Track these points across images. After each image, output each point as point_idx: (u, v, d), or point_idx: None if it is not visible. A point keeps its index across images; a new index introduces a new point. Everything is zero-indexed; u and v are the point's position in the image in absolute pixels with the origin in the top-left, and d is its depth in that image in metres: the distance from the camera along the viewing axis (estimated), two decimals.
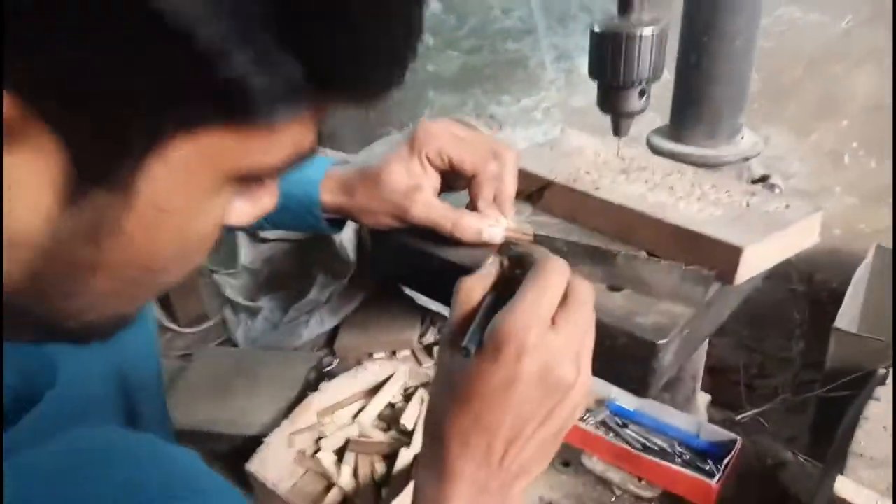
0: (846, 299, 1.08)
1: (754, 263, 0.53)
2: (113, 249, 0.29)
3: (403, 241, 0.61)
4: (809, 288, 1.38)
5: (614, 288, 0.53)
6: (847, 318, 1.14)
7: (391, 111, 1.92)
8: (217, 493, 0.33)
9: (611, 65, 0.57)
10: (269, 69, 0.25)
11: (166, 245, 0.30)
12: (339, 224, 0.64)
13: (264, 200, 0.35)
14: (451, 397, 0.42)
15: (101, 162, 0.26)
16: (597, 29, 0.58)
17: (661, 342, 0.46)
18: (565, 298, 0.41)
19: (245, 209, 0.34)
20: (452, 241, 0.58)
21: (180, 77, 0.24)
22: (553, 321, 0.41)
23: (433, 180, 0.60)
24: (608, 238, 0.61)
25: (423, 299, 1.32)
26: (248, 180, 0.31)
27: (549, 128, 1.70)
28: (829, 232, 1.34)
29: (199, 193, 0.29)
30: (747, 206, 0.59)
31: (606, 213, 0.60)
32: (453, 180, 0.61)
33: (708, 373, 1.38)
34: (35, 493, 0.28)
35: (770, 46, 1.27)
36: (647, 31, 0.55)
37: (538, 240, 0.58)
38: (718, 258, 0.53)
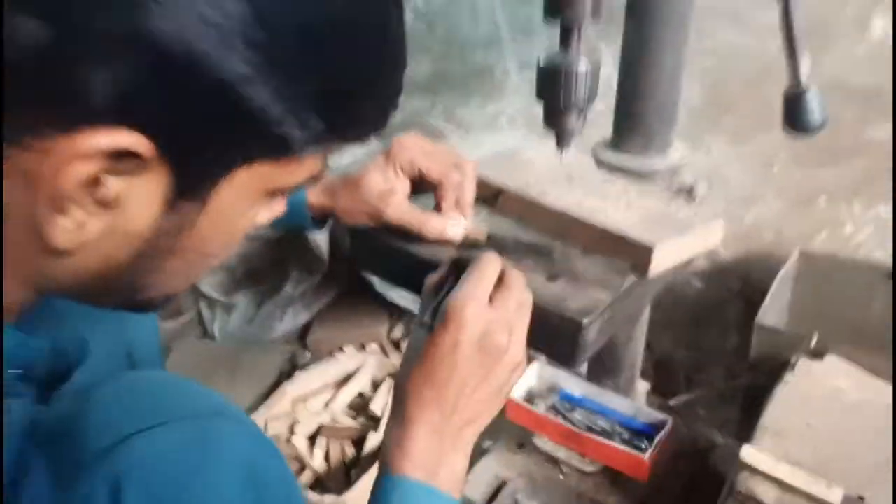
0: (767, 298, 1.21)
1: (664, 259, 0.64)
2: (187, 239, 0.41)
3: (380, 239, 0.70)
4: (744, 288, 1.51)
5: (552, 278, 0.64)
6: (771, 315, 1.27)
7: None
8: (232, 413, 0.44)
9: (552, 92, 0.67)
10: (304, 128, 0.38)
11: (220, 238, 0.43)
12: (322, 222, 0.74)
13: (277, 207, 0.47)
14: (413, 362, 0.53)
15: (193, 184, 0.39)
16: (541, 64, 0.68)
17: (585, 321, 0.57)
18: (500, 283, 0.54)
19: (266, 213, 0.47)
20: (420, 239, 0.68)
21: (250, 132, 0.37)
22: (490, 300, 0.52)
23: (405, 186, 0.71)
24: (551, 237, 0.71)
25: (391, 296, 1.41)
26: (276, 194, 0.44)
27: (513, 133, 1.80)
28: (760, 236, 1.48)
29: (247, 203, 0.42)
30: (664, 212, 0.70)
31: (549, 217, 0.71)
32: (422, 186, 0.73)
33: (653, 367, 1.51)
34: (117, 409, 0.39)
35: (712, 65, 1.40)
36: (582, 67, 0.66)
37: (491, 237, 0.68)
38: (635, 255, 0.64)
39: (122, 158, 0.34)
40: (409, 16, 1.56)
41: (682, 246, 0.66)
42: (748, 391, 1.19)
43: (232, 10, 0.33)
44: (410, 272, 0.66)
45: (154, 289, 0.45)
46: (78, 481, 0.37)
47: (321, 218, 0.75)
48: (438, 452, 0.53)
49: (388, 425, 0.55)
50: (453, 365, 0.52)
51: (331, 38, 0.38)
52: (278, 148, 0.39)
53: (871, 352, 1.11)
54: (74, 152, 0.33)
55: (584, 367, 1.19)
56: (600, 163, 0.94)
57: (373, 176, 0.70)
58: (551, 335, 0.59)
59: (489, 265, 0.54)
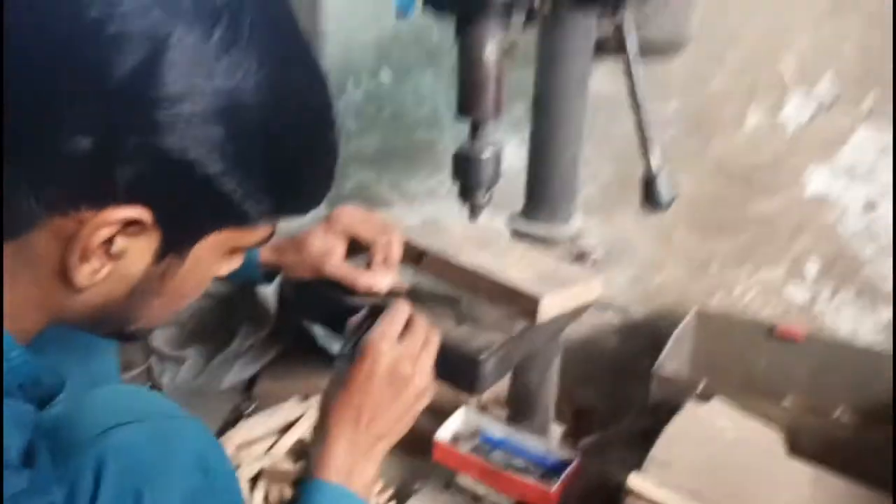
0: (664, 351, 1.38)
1: (550, 308, 0.79)
2: (169, 282, 0.55)
3: (319, 291, 0.84)
4: (653, 343, 1.68)
5: (459, 322, 0.78)
6: (671, 365, 1.44)
7: None
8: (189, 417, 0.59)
9: (463, 173, 0.84)
10: (259, 205, 0.52)
11: (193, 284, 0.58)
12: (271, 276, 0.89)
13: (235, 261, 0.61)
14: (335, 387, 0.68)
15: (177, 243, 0.52)
16: (457, 151, 0.85)
17: (481, 357, 0.71)
18: (408, 325, 0.69)
19: (227, 266, 0.60)
20: (353, 291, 0.82)
21: (220, 209, 0.51)
22: (400, 339, 0.68)
23: (341, 247, 0.88)
24: (463, 290, 0.86)
25: (334, 349, 1.52)
26: (235, 252, 0.58)
27: (452, 202, 1.97)
28: (666, 297, 1.67)
29: (214, 258, 0.56)
30: (553, 271, 0.86)
31: (462, 273, 0.86)
32: (356, 248, 0.90)
33: (573, 414, 1.65)
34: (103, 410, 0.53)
35: (620, 147, 1.61)
36: (486, 154, 0.83)
37: (411, 290, 0.83)
38: (527, 304, 0.79)
39: (130, 225, 0.48)
40: (359, 97, 1.75)
41: (565, 297, 0.82)
42: (649, 433, 1.34)
43: (213, 132, 0.47)
44: (343, 318, 0.79)
45: (142, 321, 0.58)
46: (70, 461, 0.51)
47: (270, 271, 0.91)
48: (353, 461, 0.66)
49: (311, 439, 0.69)
50: (368, 390, 0.66)
51: (278, 148, 0.52)
52: (240, 220, 0.53)
53: (758, 397, 1.28)
54: (103, 221, 0.47)
55: (503, 412, 1.32)
56: (514, 230, 1.10)
57: (315, 238, 0.86)
58: (455, 368, 0.73)
59: (399, 311, 0.70)
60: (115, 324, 0.58)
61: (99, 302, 0.53)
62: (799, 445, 1.22)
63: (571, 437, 1.48)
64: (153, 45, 0.44)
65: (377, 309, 0.71)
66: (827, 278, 1.49)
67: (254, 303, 1.54)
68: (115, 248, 0.49)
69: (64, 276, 0.49)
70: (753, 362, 1.52)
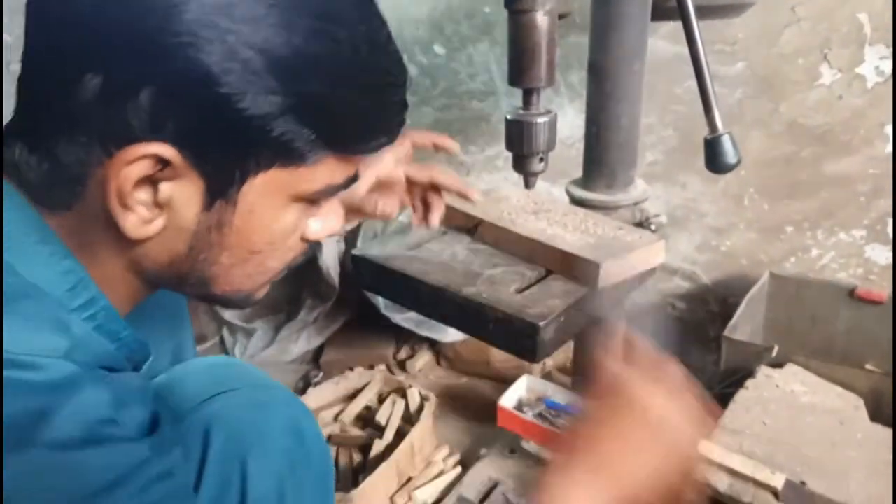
0: (736, 315, 1.34)
1: (610, 275, 0.78)
2: (228, 235, 0.52)
3: (376, 262, 0.86)
4: (723, 309, 1.64)
5: (519, 291, 0.78)
6: (744, 330, 1.40)
7: None
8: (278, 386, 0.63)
9: (517, 141, 0.83)
10: (300, 139, 0.49)
11: (258, 236, 0.53)
12: None
13: (330, 219, 0.58)
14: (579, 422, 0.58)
15: (220, 187, 0.49)
16: (508, 117, 0.84)
17: (541, 323, 0.71)
18: (657, 368, 0.59)
19: (316, 227, 0.57)
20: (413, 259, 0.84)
21: (257, 143, 0.48)
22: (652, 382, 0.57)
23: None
24: (521, 259, 0.86)
25: (396, 319, 1.55)
26: (306, 201, 0.53)
27: (509, 173, 1.96)
28: (737, 262, 1.61)
29: (273, 206, 0.52)
30: (613, 237, 0.85)
31: (519, 242, 0.86)
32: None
33: None
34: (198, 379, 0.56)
35: (684, 110, 1.56)
36: (540, 120, 0.82)
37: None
38: (587, 271, 0.78)
39: (163, 167, 0.46)
40: (413, 71, 1.76)
41: (626, 263, 0.80)
42: (720, 399, 1.31)
43: (247, 56, 0.44)
44: (404, 291, 0.81)
45: (222, 282, 0.56)
46: (181, 425, 0.54)
47: None
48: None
49: (545, 469, 0.57)
50: (609, 433, 0.55)
51: (315, 71, 0.47)
52: (284, 156, 0.49)
53: (835, 363, 1.23)
54: (126, 158, 0.45)
55: (567, 379, 1.32)
56: (572, 199, 1.09)
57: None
58: (515, 336, 0.73)
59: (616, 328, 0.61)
60: (195, 285, 0.56)
61: (165, 259, 0.52)
62: (881, 411, 1.17)
63: None
64: None
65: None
66: None
67: (318, 276, 1.59)
68: (161, 196, 0.48)
69: (116, 227, 0.48)
70: (832, 327, 1.45)
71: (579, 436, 0.56)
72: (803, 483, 0.95)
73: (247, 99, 0.45)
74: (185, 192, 0.49)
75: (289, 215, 0.54)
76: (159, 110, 0.45)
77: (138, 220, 0.48)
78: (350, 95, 0.50)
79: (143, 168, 0.46)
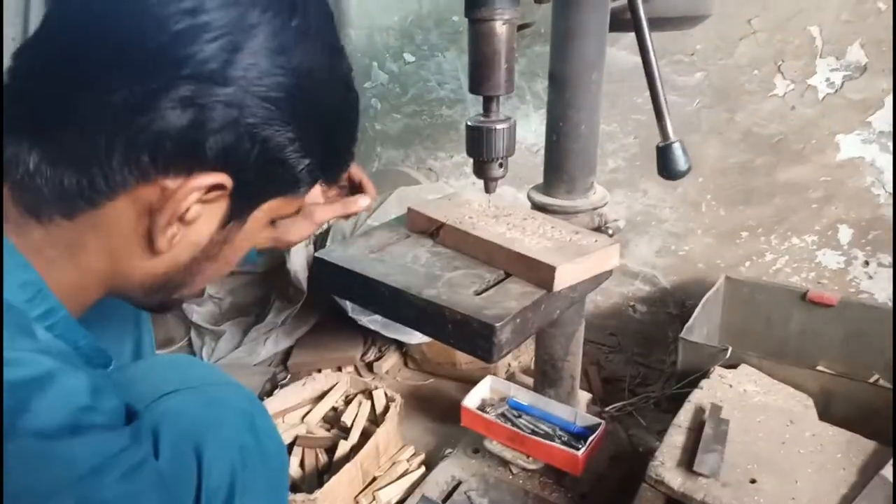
0: (693, 318, 1.38)
1: (566, 277, 0.81)
2: (225, 250, 0.60)
3: (337, 265, 0.87)
4: (682, 311, 1.68)
5: (478, 293, 0.81)
6: (700, 332, 1.44)
7: None
8: (235, 383, 0.63)
9: (477, 147, 0.86)
10: (310, 174, 0.58)
11: (240, 251, 0.62)
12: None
13: (276, 233, 0.68)
14: None
15: (241, 211, 0.57)
16: (469, 123, 0.86)
17: (497, 325, 0.74)
18: None
19: (264, 237, 0.64)
20: (375, 262, 0.86)
21: (282, 178, 0.57)
22: None
23: (318, 193, 0.94)
24: (480, 261, 0.88)
25: (363, 321, 1.57)
26: (275, 221, 0.62)
27: (475, 180, 1.99)
28: (694, 266, 1.66)
29: (262, 226, 0.61)
30: (570, 240, 0.88)
31: (479, 245, 0.88)
32: None
33: (603, 381, 1.67)
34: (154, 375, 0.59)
35: (645, 119, 1.60)
36: (500, 126, 0.84)
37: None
38: (543, 274, 0.81)
39: (211, 191, 0.53)
40: (383, 78, 1.78)
41: (582, 266, 0.83)
42: (676, 399, 1.35)
43: (286, 106, 0.53)
44: (363, 291, 0.83)
45: (191, 288, 0.62)
46: (133, 423, 0.55)
47: None
48: None
49: None
50: None
51: (331, 121, 0.58)
52: (294, 187, 0.59)
53: (789, 364, 1.28)
54: (195, 186, 0.52)
55: (530, 380, 1.35)
56: (533, 204, 1.12)
57: None
58: (473, 337, 0.75)
59: None
60: (170, 291, 0.61)
61: (162, 269, 0.57)
62: (831, 411, 1.22)
63: (599, 403, 1.50)
64: (241, 29, 0.50)
65: None
66: (860, 244, 1.47)
67: (287, 279, 1.60)
68: (189, 215, 0.53)
69: (143, 243, 0.54)
70: (785, 329, 1.51)
71: None
72: (753, 481, 0.98)
73: (269, 130, 0.53)
74: (211, 213, 0.56)
75: (265, 232, 0.62)
76: (231, 145, 0.51)
77: (170, 235, 0.54)
78: (342, 128, 0.60)
79: (200, 194, 0.52)
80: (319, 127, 0.57)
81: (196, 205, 0.53)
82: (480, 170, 0.89)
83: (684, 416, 1.12)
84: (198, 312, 1.79)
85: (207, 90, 0.49)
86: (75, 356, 0.52)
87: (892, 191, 1.39)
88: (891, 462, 0.98)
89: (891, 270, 1.46)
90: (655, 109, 0.84)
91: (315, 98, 0.55)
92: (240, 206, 0.57)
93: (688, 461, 1.01)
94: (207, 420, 0.62)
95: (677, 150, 0.83)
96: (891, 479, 0.96)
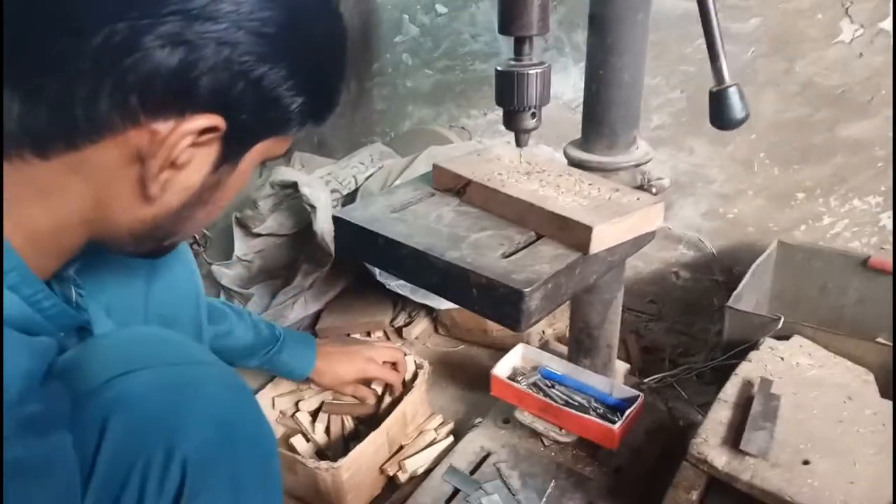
0: (741, 285, 1.29)
1: (603, 239, 0.73)
2: (217, 192, 0.57)
3: (357, 224, 0.81)
4: (729, 278, 1.58)
5: (505, 255, 0.74)
6: (750, 300, 1.35)
7: (375, 122, 2.12)
8: (215, 363, 0.55)
9: (507, 95, 0.78)
10: (301, 115, 0.56)
11: (232, 194, 0.60)
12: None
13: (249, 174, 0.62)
14: None
15: (234, 153, 0.55)
16: (499, 68, 0.78)
17: (526, 290, 0.67)
18: None
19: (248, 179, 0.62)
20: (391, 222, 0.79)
21: (274, 117, 0.54)
22: None
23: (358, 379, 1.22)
24: (510, 222, 0.81)
25: (392, 286, 1.52)
26: (264, 162, 0.60)
27: (510, 138, 1.90)
28: (743, 229, 1.55)
29: (251, 166, 0.59)
30: (609, 199, 0.80)
31: (508, 203, 0.81)
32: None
33: (642, 351, 1.59)
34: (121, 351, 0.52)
35: (693, 70, 1.49)
36: (532, 71, 0.76)
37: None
38: (578, 235, 0.73)
39: (203, 134, 0.50)
40: (415, 31, 1.69)
41: (621, 227, 0.75)
42: (721, 371, 1.27)
43: (279, 42, 0.51)
44: (386, 254, 0.77)
45: (182, 234, 0.59)
46: (79, 411, 0.50)
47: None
48: None
49: None
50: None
51: (321, 58, 0.56)
52: (285, 127, 0.56)
53: (844, 335, 1.18)
54: (187, 131, 0.49)
55: (564, 349, 1.28)
56: (570, 160, 1.03)
57: (348, 365, 1.22)
58: (499, 303, 0.69)
59: None
60: (160, 238, 0.58)
61: (151, 215, 0.54)
62: (892, 385, 1.12)
63: (637, 374, 1.43)
64: None
65: None
66: None
67: (314, 243, 1.55)
68: (181, 159, 0.50)
69: (132, 189, 0.51)
70: (842, 298, 1.40)
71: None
72: (806, 462, 0.90)
73: (263, 68, 0.50)
74: (203, 157, 0.53)
75: (253, 172, 0.60)
76: (223, 85, 0.49)
77: (162, 181, 0.52)
78: (334, 64, 0.58)
79: (194, 137, 0.50)
80: (313, 63, 0.55)
81: (189, 149, 0.50)
82: (511, 120, 0.81)
83: (731, 390, 1.04)
84: (227, 275, 1.76)
85: (197, 27, 0.46)
86: (30, 315, 0.48)
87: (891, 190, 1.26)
88: None
89: None
90: (710, 48, 0.74)
91: (308, 32, 0.53)
92: (233, 149, 0.55)
93: (734, 439, 0.93)
94: (166, 408, 0.52)
95: (733, 94, 0.74)
96: None
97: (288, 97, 0.53)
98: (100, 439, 0.50)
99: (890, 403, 1.01)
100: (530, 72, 0.76)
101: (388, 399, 1.30)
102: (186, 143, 0.50)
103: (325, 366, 1.18)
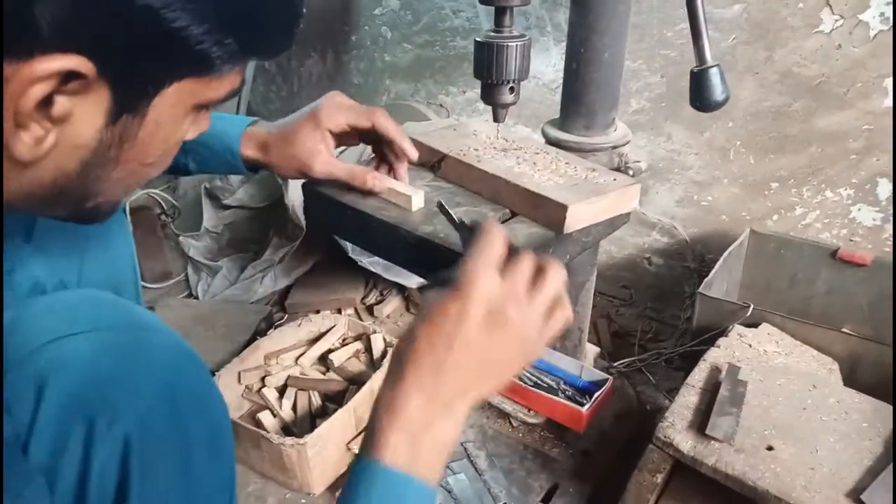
0: (713, 272, 1.29)
1: (578, 218, 0.72)
2: (128, 149, 0.48)
3: (327, 195, 0.79)
4: (701, 265, 1.59)
5: None
6: (720, 287, 1.35)
7: (351, 96, 2.07)
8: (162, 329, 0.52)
9: (486, 67, 0.76)
10: (221, 47, 0.45)
11: (157, 148, 0.50)
12: (255, 170, 0.83)
13: (203, 123, 0.55)
14: (417, 326, 0.52)
15: (132, 100, 0.45)
16: (478, 39, 0.76)
17: None
18: (513, 257, 0.53)
19: (194, 129, 0.54)
20: (362, 194, 0.77)
21: (175, 53, 0.44)
22: (502, 274, 0.52)
23: (330, 144, 0.78)
24: (484, 198, 0.79)
25: (364, 262, 1.49)
26: (200, 108, 0.51)
27: (489, 116, 1.88)
28: (717, 217, 1.56)
29: (178, 116, 0.49)
30: (585, 178, 0.78)
31: (483, 179, 0.79)
32: (347, 140, 0.81)
33: (613, 335, 1.59)
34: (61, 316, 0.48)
35: (674, 55, 1.48)
36: (513, 43, 0.74)
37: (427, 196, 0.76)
38: (553, 213, 0.72)
39: (70, 80, 0.41)
40: (395, 4, 1.64)
41: (596, 207, 0.74)
42: (689, 357, 1.27)
43: None
44: (356, 226, 0.74)
45: (101, 196, 0.52)
46: (11, 376, 0.46)
47: (254, 168, 0.83)
48: (427, 417, 0.50)
49: (382, 386, 0.53)
50: (457, 333, 0.50)
51: None
52: (201, 66, 0.46)
53: (814, 324, 1.19)
54: (33, 76, 0.40)
55: None
56: (548, 139, 1.02)
57: (301, 134, 0.77)
58: None
59: (495, 235, 0.53)
60: (71, 203, 0.50)
61: (48, 178, 0.47)
62: (857, 376, 1.14)
63: (607, 358, 1.43)
64: None
65: (464, 226, 0.58)
66: None
67: (285, 215, 1.52)
68: (56, 111, 0.42)
69: (3, 149, 0.42)
70: (811, 288, 1.42)
71: (420, 336, 0.51)
72: (770, 448, 0.91)
73: (169, 8, 0.41)
74: (86, 107, 0.44)
75: (185, 124, 0.51)
76: (73, 15, 0.39)
77: (31, 140, 0.43)
78: (272, 2, 0.48)
79: (50, 85, 0.40)
80: None
81: (61, 98, 0.42)
82: (489, 94, 0.79)
83: (698, 376, 1.04)
84: (195, 247, 1.72)
85: None
86: None
87: (892, 190, 1.28)
88: None
89: None
90: (692, 27, 0.73)
91: None
92: (127, 96, 0.45)
93: (700, 423, 0.94)
94: (109, 374, 0.47)
95: (714, 75, 0.72)
96: None
97: (187, 29, 0.43)
98: (36, 407, 0.46)
99: (853, 393, 1.02)
100: (510, 44, 0.74)
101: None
102: (42, 92, 0.40)
103: (279, 139, 0.80)
